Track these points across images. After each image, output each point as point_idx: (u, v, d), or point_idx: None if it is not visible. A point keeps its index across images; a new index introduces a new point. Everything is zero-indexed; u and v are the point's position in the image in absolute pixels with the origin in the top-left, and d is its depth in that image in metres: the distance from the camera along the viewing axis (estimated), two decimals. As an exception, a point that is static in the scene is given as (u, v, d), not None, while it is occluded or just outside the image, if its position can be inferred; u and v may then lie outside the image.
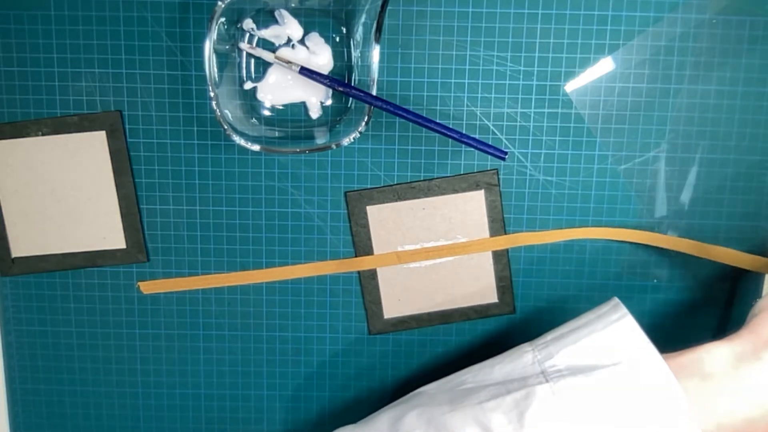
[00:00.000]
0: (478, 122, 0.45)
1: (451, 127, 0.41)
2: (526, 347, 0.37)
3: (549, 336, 0.37)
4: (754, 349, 0.33)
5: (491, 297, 0.47)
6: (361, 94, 0.41)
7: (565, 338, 0.36)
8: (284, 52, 0.44)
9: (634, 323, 0.35)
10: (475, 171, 0.46)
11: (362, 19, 0.42)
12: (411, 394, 0.40)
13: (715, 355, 0.33)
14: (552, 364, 0.35)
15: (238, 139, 0.41)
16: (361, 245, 0.47)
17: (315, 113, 0.45)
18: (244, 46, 0.43)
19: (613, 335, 0.35)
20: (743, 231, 0.46)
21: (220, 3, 0.39)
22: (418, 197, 0.46)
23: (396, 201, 0.46)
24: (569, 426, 0.32)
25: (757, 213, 0.46)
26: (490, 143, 0.42)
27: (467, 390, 0.36)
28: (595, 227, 0.46)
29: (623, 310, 0.36)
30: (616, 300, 0.37)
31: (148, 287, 0.48)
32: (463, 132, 0.42)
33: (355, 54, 0.44)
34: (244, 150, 0.45)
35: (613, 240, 0.46)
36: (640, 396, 0.32)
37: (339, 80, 0.42)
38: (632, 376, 0.33)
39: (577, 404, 0.32)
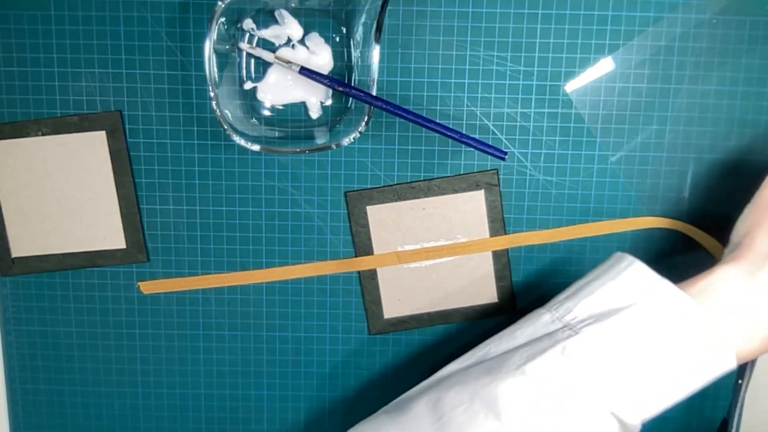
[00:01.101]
0: (478, 122, 0.45)
1: (451, 127, 0.41)
2: (541, 310, 0.38)
3: (562, 296, 0.38)
4: (758, 264, 0.35)
5: (491, 297, 0.47)
6: (361, 94, 0.41)
7: (579, 293, 0.37)
8: (284, 52, 0.44)
9: (644, 266, 0.36)
10: (475, 171, 0.46)
11: (362, 19, 0.42)
12: (434, 378, 0.39)
13: (724, 276, 0.35)
14: (573, 317, 0.35)
15: (238, 139, 0.41)
16: (361, 245, 0.47)
17: (315, 113, 0.45)
18: (244, 46, 0.43)
19: (627, 280, 0.36)
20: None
21: (220, 3, 0.39)
22: (418, 197, 0.46)
23: (396, 201, 0.46)
24: (605, 369, 0.33)
25: None
26: (490, 143, 0.42)
27: (499, 359, 0.36)
28: (596, 222, 0.46)
29: (630, 258, 0.37)
30: (619, 253, 0.38)
31: (148, 287, 0.48)
32: (463, 132, 0.42)
33: (355, 54, 0.44)
34: (244, 150, 0.45)
35: (613, 241, 0.46)
36: (667, 325, 0.33)
37: (339, 80, 0.42)
38: (655, 309, 0.34)
39: (610, 345, 0.33)
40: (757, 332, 0.34)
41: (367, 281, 0.47)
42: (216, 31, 0.40)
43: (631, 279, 0.36)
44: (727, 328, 0.34)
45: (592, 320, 0.34)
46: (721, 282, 0.35)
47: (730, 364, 0.33)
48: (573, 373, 0.33)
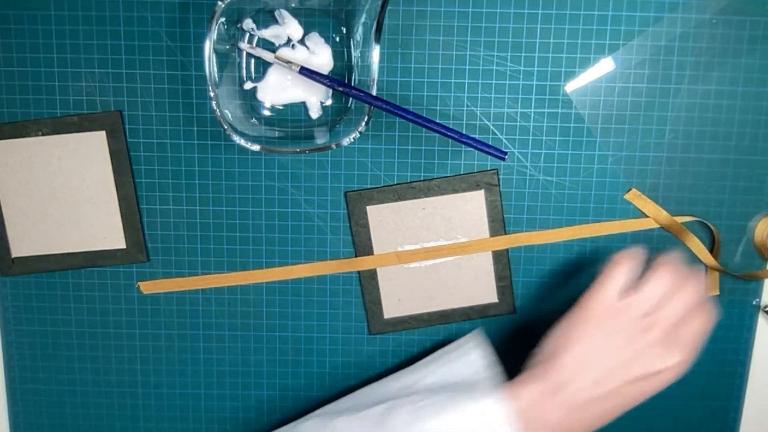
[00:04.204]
0: (478, 122, 0.45)
1: (451, 127, 0.41)
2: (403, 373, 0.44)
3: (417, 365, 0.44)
4: (560, 385, 0.37)
5: (491, 297, 0.47)
6: (361, 94, 0.41)
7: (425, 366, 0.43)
8: (284, 52, 0.44)
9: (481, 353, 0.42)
10: (475, 171, 0.46)
11: (362, 19, 0.42)
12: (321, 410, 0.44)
13: (528, 395, 0.38)
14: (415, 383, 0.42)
15: (238, 139, 0.41)
16: (361, 245, 0.47)
17: (315, 113, 0.45)
18: (244, 46, 0.43)
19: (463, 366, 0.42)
20: (743, 231, 0.46)
21: (220, 3, 0.39)
22: (418, 197, 0.46)
23: (396, 201, 0.46)
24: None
25: (756, 213, 0.46)
26: (490, 143, 0.42)
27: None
28: (592, 224, 0.46)
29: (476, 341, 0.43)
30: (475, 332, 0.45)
31: (148, 287, 0.48)
32: (463, 132, 0.42)
33: (355, 54, 0.44)
34: (244, 150, 0.45)
35: (613, 241, 0.46)
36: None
37: (339, 80, 0.42)
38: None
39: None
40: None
41: (367, 281, 0.47)
42: (216, 31, 0.40)
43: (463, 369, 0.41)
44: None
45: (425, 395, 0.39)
46: (524, 400, 0.37)
47: None
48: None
